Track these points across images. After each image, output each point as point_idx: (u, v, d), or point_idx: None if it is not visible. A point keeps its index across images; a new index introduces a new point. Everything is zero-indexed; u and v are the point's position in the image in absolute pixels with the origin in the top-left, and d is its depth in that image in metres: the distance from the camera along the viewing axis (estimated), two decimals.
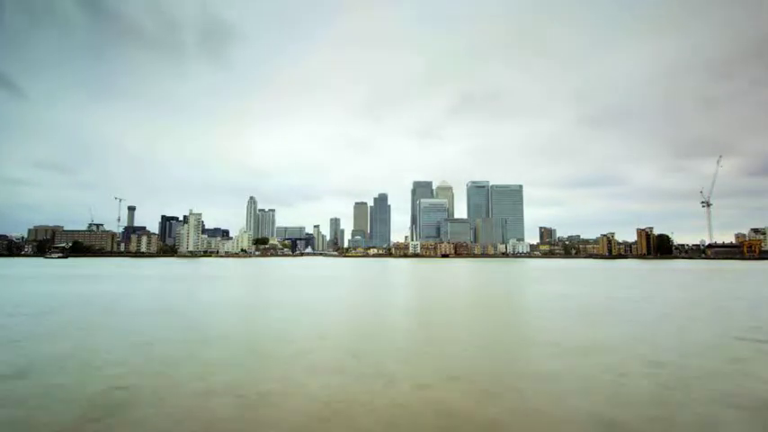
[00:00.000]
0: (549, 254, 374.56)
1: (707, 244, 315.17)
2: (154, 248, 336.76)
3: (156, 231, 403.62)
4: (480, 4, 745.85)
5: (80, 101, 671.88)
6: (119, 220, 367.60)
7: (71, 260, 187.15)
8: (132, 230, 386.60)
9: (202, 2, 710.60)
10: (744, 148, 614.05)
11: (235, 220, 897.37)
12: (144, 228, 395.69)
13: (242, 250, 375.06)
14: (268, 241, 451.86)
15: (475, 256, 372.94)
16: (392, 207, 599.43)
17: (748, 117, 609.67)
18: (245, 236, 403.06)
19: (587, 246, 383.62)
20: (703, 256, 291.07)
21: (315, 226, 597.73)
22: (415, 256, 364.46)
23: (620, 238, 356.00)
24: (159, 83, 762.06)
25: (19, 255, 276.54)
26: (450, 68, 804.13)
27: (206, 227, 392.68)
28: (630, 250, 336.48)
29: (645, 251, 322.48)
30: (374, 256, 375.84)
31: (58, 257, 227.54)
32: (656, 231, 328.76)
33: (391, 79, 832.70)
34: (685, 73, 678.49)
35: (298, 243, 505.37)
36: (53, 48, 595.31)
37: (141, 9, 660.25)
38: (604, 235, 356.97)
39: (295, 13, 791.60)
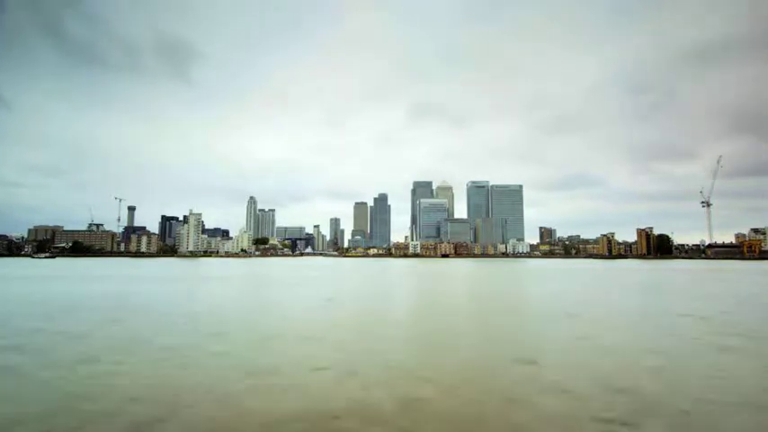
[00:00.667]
0: (549, 254, 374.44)
1: (707, 244, 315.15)
2: (154, 248, 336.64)
3: (156, 231, 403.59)
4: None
5: (72, 108, 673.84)
6: (119, 220, 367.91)
7: (60, 261, 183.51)
8: (132, 230, 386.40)
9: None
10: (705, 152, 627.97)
11: (235, 220, 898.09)
12: (144, 228, 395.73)
13: (242, 250, 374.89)
14: (268, 241, 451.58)
15: (475, 256, 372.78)
16: (392, 207, 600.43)
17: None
18: (245, 236, 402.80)
19: (587, 246, 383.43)
20: (703, 256, 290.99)
21: (315, 226, 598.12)
22: (415, 256, 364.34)
23: (620, 238, 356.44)
24: (151, 88, 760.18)
25: (19, 255, 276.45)
26: (405, 79, 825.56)
27: (206, 227, 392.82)
28: (630, 250, 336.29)
29: (645, 251, 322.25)
30: (374, 256, 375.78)
31: (45, 257, 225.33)
32: (657, 231, 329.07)
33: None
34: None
35: (298, 243, 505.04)
36: (37, 61, 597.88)
37: (105, 36, 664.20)
38: (604, 235, 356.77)
39: (297, 13, 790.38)
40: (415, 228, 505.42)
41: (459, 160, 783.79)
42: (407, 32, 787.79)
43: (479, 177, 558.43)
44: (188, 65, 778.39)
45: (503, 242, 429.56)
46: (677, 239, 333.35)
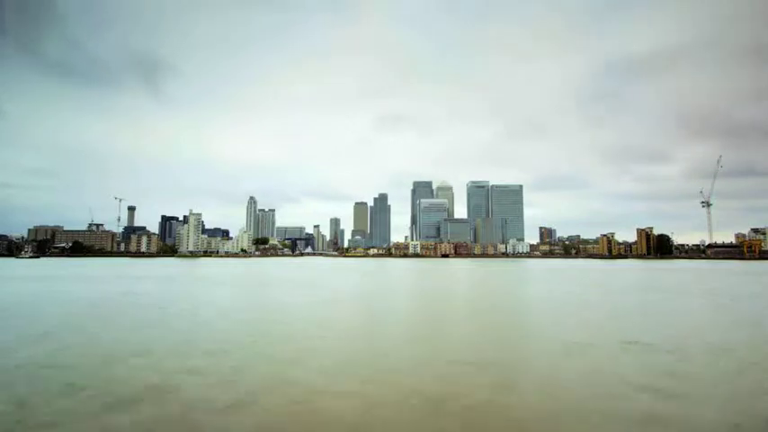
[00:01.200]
0: (549, 254, 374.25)
1: (707, 244, 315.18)
2: (154, 248, 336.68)
3: (156, 231, 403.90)
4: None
5: (64, 112, 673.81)
6: (119, 220, 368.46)
7: (45, 261, 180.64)
8: (132, 230, 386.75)
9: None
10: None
11: (235, 220, 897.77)
12: (144, 228, 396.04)
13: (242, 250, 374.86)
14: (268, 241, 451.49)
15: (475, 256, 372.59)
16: (392, 207, 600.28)
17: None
18: (245, 236, 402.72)
19: (587, 246, 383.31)
20: (703, 256, 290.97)
21: (315, 226, 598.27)
22: (415, 256, 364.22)
23: (620, 238, 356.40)
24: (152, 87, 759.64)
25: (19, 255, 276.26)
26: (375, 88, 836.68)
27: (206, 227, 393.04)
28: (630, 250, 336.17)
29: (645, 251, 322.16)
30: (374, 256, 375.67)
31: (29, 257, 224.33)
32: (657, 231, 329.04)
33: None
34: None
35: (298, 243, 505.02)
36: (21, 77, 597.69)
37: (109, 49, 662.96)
38: (604, 235, 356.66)
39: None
40: (415, 228, 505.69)
41: (459, 160, 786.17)
42: (404, 33, 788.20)
43: (477, 177, 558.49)
44: (188, 65, 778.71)
45: (503, 242, 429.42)
46: (677, 239, 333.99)
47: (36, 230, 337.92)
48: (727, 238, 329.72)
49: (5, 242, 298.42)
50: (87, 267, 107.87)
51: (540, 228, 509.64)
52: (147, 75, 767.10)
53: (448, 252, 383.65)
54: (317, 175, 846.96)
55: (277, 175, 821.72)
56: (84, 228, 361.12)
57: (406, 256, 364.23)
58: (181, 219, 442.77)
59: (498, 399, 11.68)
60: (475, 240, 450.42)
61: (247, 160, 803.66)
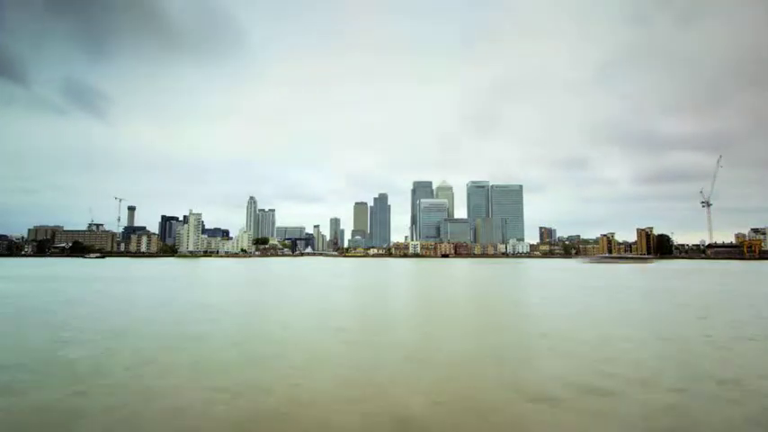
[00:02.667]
0: (549, 254, 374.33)
1: (707, 244, 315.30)
2: (154, 248, 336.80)
3: (156, 231, 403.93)
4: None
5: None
6: (119, 220, 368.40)
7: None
8: (132, 230, 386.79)
9: None
10: None
11: (235, 220, 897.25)
12: (144, 228, 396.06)
13: (242, 250, 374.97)
14: (268, 241, 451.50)
15: (475, 256, 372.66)
16: (392, 207, 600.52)
17: None
18: (245, 236, 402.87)
19: (587, 246, 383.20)
20: (703, 256, 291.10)
21: (315, 226, 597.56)
22: (415, 256, 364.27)
23: (620, 238, 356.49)
24: (153, 83, 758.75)
25: (19, 255, 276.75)
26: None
27: (206, 227, 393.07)
28: (630, 250, 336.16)
29: (645, 251, 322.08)
30: (374, 256, 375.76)
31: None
32: (657, 231, 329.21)
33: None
34: None
35: (298, 243, 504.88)
36: None
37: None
38: (604, 235, 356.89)
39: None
40: (415, 228, 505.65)
41: (458, 160, 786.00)
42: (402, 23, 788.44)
43: (477, 178, 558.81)
44: (187, 66, 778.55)
45: (503, 242, 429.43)
46: (677, 239, 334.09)
47: (36, 230, 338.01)
48: (728, 238, 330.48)
49: (5, 242, 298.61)
50: (73, 268, 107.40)
51: (540, 228, 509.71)
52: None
53: (448, 252, 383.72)
54: (317, 174, 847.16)
55: (277, 174, 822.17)
56: (84, 228, 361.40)
57: (405, 256, 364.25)
58: (181, 219, 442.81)
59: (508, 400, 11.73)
60: (475, 240, 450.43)
61: (247, 160, 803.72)
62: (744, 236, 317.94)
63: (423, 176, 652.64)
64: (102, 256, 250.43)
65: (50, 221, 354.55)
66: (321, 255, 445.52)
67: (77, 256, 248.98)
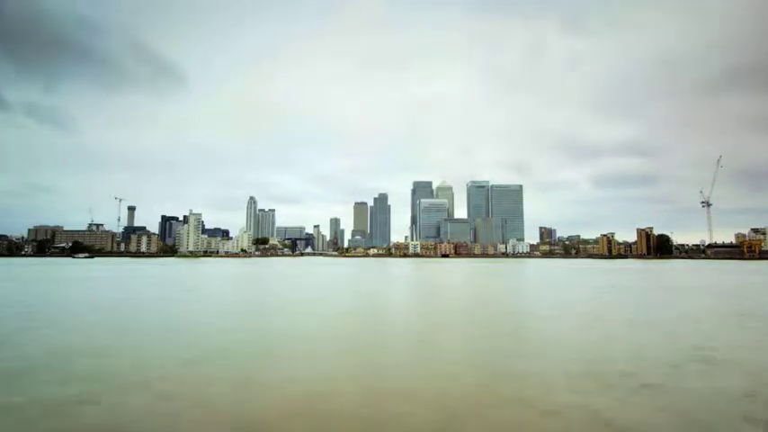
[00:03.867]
0: (549, 254, 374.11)
1: (707, 244, 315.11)
2: (154, 248, 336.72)
3: (156, 231, 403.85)
4: None
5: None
6: (119, 220, 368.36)
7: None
8: (132, 230, 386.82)
9: None
10: None
11: (235, 220, 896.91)
12: (144, 228, 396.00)
13: (242, 250, 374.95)
14: (268, 241, 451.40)
15: (475, 256, 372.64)
16: (392, 207, 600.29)
17: None
18: (245, 236, 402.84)
19: (587, 246, 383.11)
20: (703, 256, 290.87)
21: (315, 226, 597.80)
22: (415, 256, 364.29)
23: (620, 238, 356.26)
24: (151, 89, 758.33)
25: (19, 255, 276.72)
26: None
27: (206, 227, 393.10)
28: (630, 250, 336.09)
29: (645, 251, 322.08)
30: (374, 256, 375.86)
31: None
32: (657, 231, 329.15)
33: None
34: None
35: (298, 243, 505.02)
36: None
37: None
38: (604, 235, 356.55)
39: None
40: (415, 228, 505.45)
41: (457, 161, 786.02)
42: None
43: (478, 178, 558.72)
44: (186, 67, 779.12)
45: (503, 242, 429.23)
46: (677, 239, 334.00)
47: (36, 230, 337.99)
48: (728, 237, 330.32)
49: (5, 242, 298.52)
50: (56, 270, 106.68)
51: (540, 228, 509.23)
52: (149, 74, 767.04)
53: (448, 252, 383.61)
54: (317, 174, 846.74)
55: (277, 174, 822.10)
56: (84, 228, 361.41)
57: (405, 255, 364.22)
58: (181, 219, 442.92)
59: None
60: (475, 240, 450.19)
61: (247, 160, 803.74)
62: (744, 236, 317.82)
63: (422, 177, 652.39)
64: (91, 256, 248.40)
65: (50, 222, 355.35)
66: (321, 255, 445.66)
67: (68, 257, 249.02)
